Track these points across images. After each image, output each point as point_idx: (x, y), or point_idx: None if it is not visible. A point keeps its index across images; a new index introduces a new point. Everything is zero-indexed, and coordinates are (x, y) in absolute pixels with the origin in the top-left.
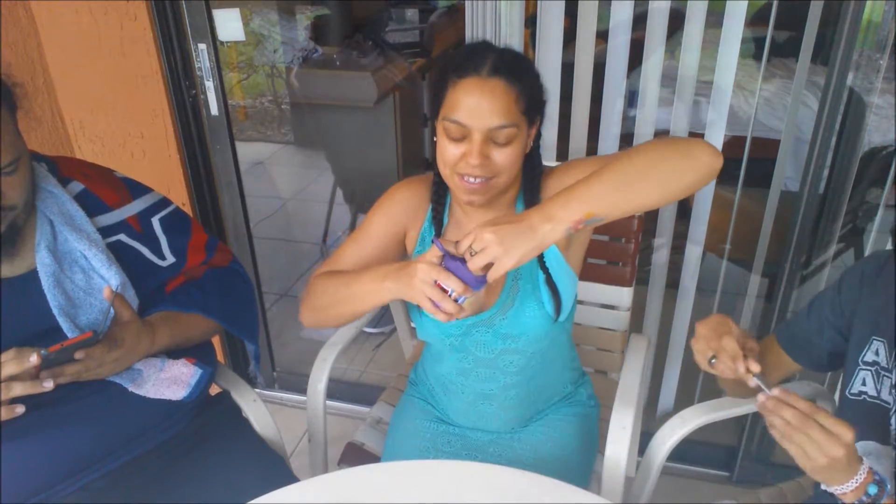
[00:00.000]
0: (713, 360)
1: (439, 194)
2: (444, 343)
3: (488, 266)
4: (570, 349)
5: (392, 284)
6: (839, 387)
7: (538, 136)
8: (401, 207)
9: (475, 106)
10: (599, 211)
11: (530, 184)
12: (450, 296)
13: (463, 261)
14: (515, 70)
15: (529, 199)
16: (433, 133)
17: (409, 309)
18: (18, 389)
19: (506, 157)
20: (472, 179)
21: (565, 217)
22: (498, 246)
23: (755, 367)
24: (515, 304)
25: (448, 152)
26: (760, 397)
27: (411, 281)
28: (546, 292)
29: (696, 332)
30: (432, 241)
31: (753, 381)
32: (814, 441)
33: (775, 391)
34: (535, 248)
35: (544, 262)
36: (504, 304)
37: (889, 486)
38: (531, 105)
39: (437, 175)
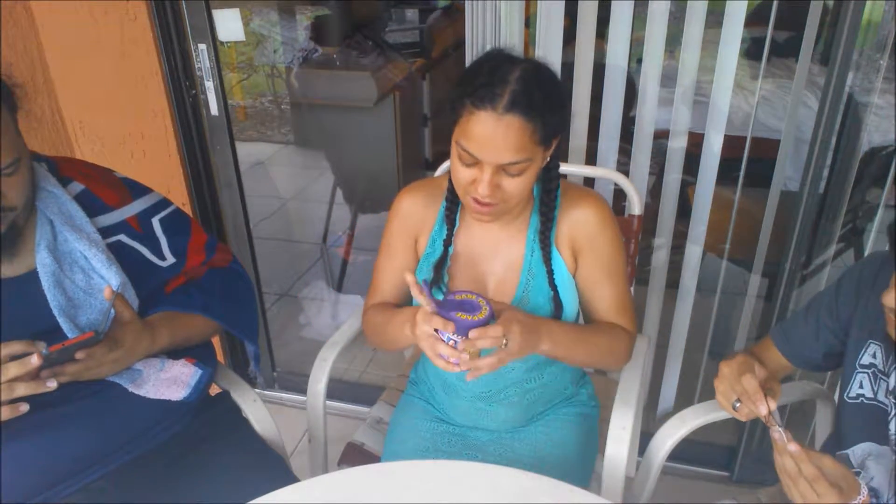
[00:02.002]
0: (737, 405)
1: (454, 193)
2: None
3: (484, 316)
4: None
5: (409, 332)
6: (838, 390)
7: (558, 145)
8: (410, 219)
9: (487, 141)
10: (564, 360)
11: (547, 196)
12: (447, 341)
13: (450, 306)
14: (534, 103)
15: (545, 212)
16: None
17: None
18: (22, 389)
19: (516, 186)
20: (480, 201)
21: (552, 353)
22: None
23: (773, 405)
24: None
25: (460, 174)
26: (791, 447)
27: (415, 330)
28: (552, 308)
29: (720, 371)
30: (422, 285)
31: (776, 433)
32: (817, 496)
33: (793, 447)
34: (524, 355)
35: (554, 281)
36: None
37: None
38: (549, 132)
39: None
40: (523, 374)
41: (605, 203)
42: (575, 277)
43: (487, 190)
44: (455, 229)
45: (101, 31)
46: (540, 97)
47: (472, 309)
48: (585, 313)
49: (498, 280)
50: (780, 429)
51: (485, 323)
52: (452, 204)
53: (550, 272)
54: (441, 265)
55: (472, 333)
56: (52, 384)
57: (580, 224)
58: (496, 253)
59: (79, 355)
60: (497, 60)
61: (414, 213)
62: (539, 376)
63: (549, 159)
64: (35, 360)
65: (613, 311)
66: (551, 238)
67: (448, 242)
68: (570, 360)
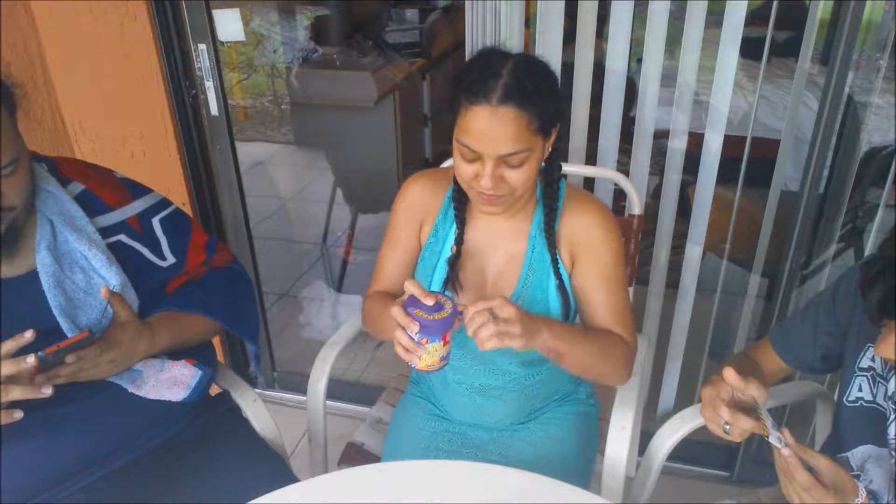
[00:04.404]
0: (727, 427)
1: (461, 192)
2: None
3: (445, 316)
4: None
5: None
6: (837, 394)
7: (557, 139)
8: (416, 206)
9: (485, 134)
10: (565, 361)
11: (550, 188)
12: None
13: (423, 306)
14: (528, 93)
15: (549, 203)
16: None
17: None
18: (17, 393)
19: (519, 177)
20: (487, 193)
21: (553, 347)
22: (518, 324)
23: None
24: None
25: (463, 171)
26: (785, 451)
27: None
28: (556, 299)
29: (702, 398)
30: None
31: (772, 439)
32: (812, 499)
33: (787, 451)
34: (527, 344)
35: (559, 270)
36: None
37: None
38: (546, 121)
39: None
40: (521, 369)
41: (609, 213)
42: (571, 282)
43: (490, 182)
44: (465, 226)
45: (101, 31)
46: (532, 87)
47: (437, 309)
48: (583, 322)
49: (499, 273)
50: (775, 433)
51: (445, 321)
52: (460, 203)
53: (555, 261)
54: (454, 264)
55: (472, 308)
56: (48, 391)
57: (581, 229)
58: (498, 246)
59: (69, 359)
60: (489, 56)
61: (420, 199)
62: (537, 373)
63: (549, 151)
64: (31, 361)
65: (609, 318)
66: (554, 228)
67: (461, 241)
68: (570, 358)
